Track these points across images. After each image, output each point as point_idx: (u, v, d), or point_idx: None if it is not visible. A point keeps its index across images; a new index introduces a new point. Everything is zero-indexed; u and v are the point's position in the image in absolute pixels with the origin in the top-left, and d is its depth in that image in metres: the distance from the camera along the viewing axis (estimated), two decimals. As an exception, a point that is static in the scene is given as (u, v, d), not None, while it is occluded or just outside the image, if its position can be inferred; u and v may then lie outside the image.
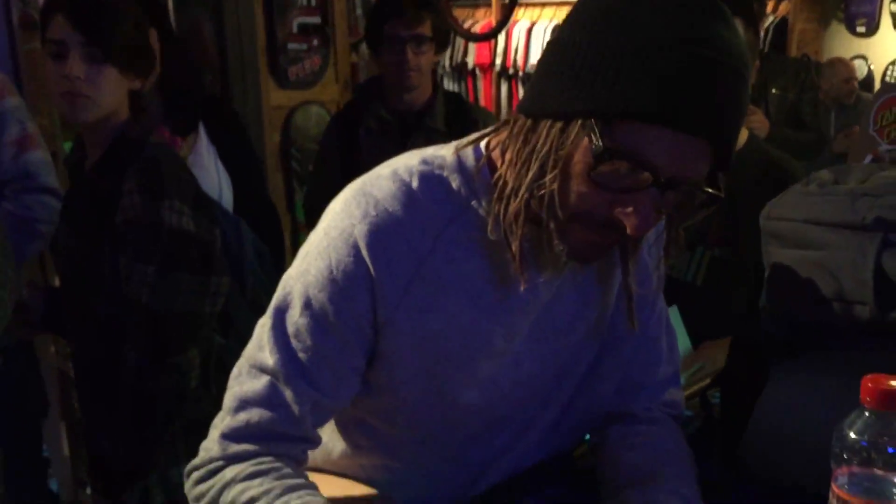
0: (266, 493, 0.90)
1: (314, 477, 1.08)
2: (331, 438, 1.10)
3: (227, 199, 2.06)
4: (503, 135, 0.94)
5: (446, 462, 1.07)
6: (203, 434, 1.59)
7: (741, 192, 1.53)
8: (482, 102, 6.30)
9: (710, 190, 0.86)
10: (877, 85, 4.86)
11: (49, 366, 2.53)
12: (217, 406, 1.60)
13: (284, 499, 0.89)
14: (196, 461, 0.98)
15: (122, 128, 1.64)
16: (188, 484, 0.98)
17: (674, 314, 1.38)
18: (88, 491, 2.61)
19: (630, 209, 0.84)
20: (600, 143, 0.82)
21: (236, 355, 1.54)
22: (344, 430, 1.08)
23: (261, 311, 1.56)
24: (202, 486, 0.96)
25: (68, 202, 1.80)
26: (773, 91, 3.29)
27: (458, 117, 2.36)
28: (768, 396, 1.10)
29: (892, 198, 1.06)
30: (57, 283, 2.09)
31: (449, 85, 6.42)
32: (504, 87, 6.32)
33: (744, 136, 1.70)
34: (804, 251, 1.12)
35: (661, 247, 1.01)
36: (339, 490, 1.07)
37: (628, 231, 0.85)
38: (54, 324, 1.83)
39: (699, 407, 1.30)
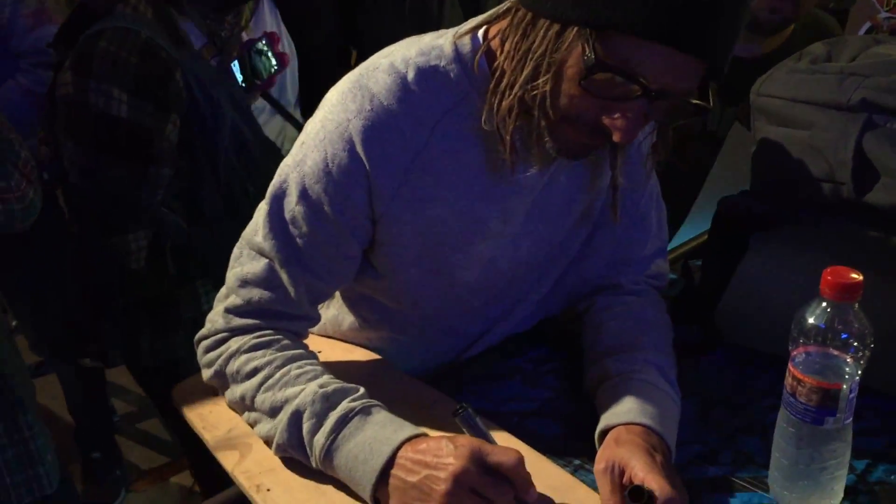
0: (269, 363, 0.98)
1: (323, 343, 1.18)
2: (340, 312, 1.17)
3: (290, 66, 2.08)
4: (504, 23, 0.95)
5: (445, 334, 1.16)
6: (166, 310, 1.68)
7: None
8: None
9: (699, 102, 0.88)
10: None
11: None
12: (177, 285, 1.68)
13: (285, 369, 0.97)
14: (203, 332, 1.06)
15: None
16: (199, 351, 1.06)
17: None
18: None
19: (618, 117, 0.87)
20: (592, 56, 0.84)
21: (204, 241, 1.61)
22: (352, 305, 1.16)
23: (232, 201, 1.62)
24: (211, 355, 1.04)
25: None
26: None
27: None
28: (745, 267, 1.17)
29: (880, 79, 1.08)
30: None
31: None
32: None
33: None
34: (791, 129, 1.15)
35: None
36: (345, 355, 1.17)
37: (615, 138, 0.88)
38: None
39: (681, 272, 1.38)
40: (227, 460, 0.97)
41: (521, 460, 0.83)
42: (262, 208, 1.03)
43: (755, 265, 1.16)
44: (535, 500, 0.85)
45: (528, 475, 0.84)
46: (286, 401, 0.94)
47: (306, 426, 0.91)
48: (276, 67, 1.96)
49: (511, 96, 0.91)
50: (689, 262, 1.34)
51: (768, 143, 1.18)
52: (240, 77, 2.02)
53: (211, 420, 1.04)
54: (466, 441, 0.84)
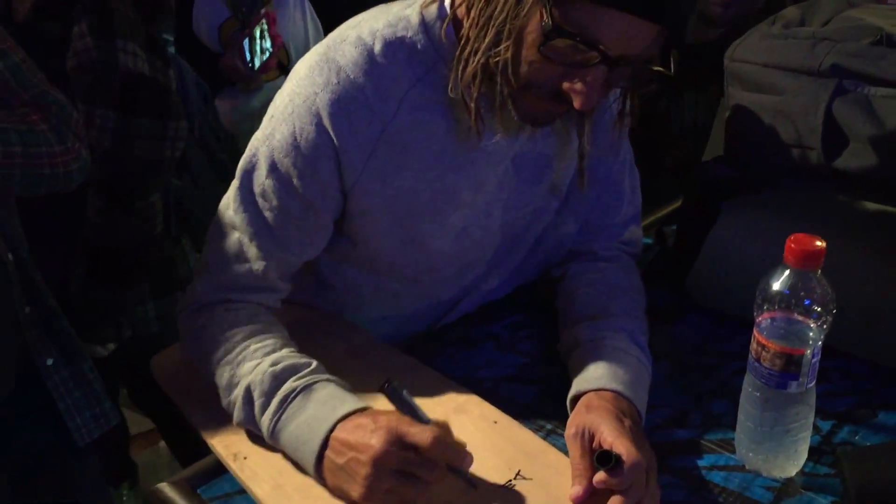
0: (231, 337, 0.99)
1: (301, 312, 1.19)
2: (318, 280, 1.18)
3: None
4: None
5: (421, 301, 1.17)
6: (168, 273, 1.68)
7: None
8: None
9: (660, 69, 0.88)
10: None
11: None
12: (176, 247, 1.68)
13: (244, 343, 0.98)
14: (182, 303, 1.08)
15: None
16: (179, 320, 1.08)
17: None
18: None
19: (578, 83, 0.87)
20: (550, 22, 0.84)
21: (192, 197, 1.61)
22: (329, 274, 1.17)
23: (208, 150, 1.62)
24: (184, 328, 1.06)
25: None
26: None
27: None
28: (717, 233, 1.19)
29: (851, 44, 1.09)
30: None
31: None
32: None
33: None
34: (764, 95, 1.16)
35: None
36: (321, 324, 1.18)
37: (575, 104, 0.88)
38: None
39: (655, 238, 1.39)
40: (207, 429, 0.99)
41: (437, 438, 0.82)
42: (234, 183, 1.03)
43: (726, 231, 1.18)
44: (469, 464, 0.85)
45: (450, 447, 0.83)
46: (241, 377, 0.95)
47: (257, 405, 0.93)
48: (269, 51, 1.95)
49: (474, 63, 0.91)
50: (663, 228, 1.36)
51: (741, 109, 1.19)
52: (248, 56, 2.03)
53: (188, 389, 1.05)
54: (385, 421, 0.84)
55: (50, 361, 1.29)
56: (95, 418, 1.36)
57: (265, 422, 0.91)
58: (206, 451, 0.98)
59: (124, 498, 2.18)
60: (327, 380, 0.93)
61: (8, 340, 1.24)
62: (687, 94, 1.49)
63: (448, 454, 0.83)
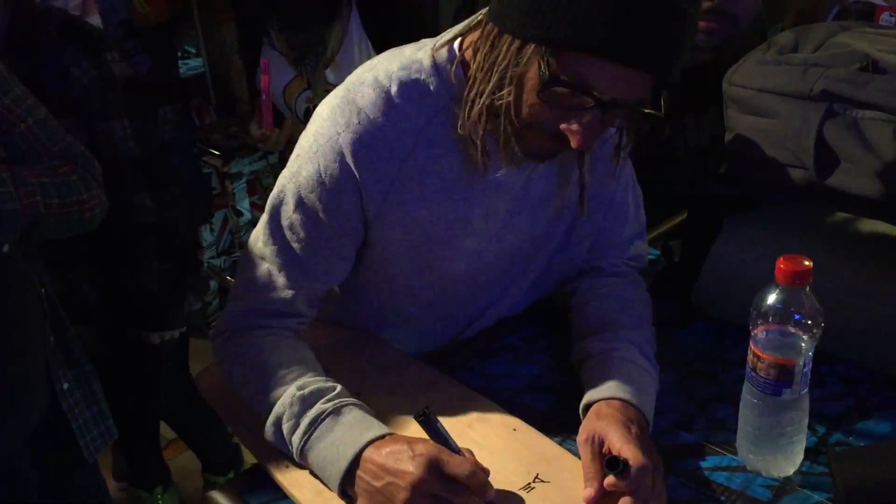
0: (261, 365, 1.06)
1: (330, 330, 1.28)
2: (343, 302, 1.27)
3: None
4: (475, 35, 1.03)
5: (439, 321, 1.26)
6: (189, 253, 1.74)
7: None
8: None
9: (650, 111, 0.96)
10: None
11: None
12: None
13: (272, 370, 1.05)
14: (212, 332, 1.17)
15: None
16: (213, 347, 1.16)
17: None
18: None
19: (575, 125, 0.95)
20: (546, 72, 0.92)
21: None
22: (353, 297, 1.25)
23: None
24: (218, 354, 1.14)
25: None
26: None
27: None
28: (719, 247, 1.26)
29: (839, 70, 1.16)
30: None
31: None
32: None
33: None
34: (759, 118, 1.23)
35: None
36: (350, 340, 1.27)
37: (572, 145, 0.96)
38: None
39: (662, 251, 1.47)
40: (251, 442, 1.07)
41: (475, 470, 0.90)
42: (263, 218, 1.12)
43: (728, 245, 1.26)
44: (493, 498, 0.92)
45: (483, 479, 0.91)
46: (272, 403, 1.03)
47: (286, 427, 1.00)
48: None
49: (480, 104, 0.99)
50: (669, 242, 1.43)
51: (739, 131, 1.26)
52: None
53: (232, 404, 1.14)
54: (424, 450, 0.91)
55: (66, 385, 1.37)
56: (101, 435, 1.45)
57: (295, 442, 0.99)
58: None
59: (159, 500, 2.28)
60: (353, 404, 1.01)
61: (40, 366, 1.33)
62: (687, 118, 1.55)
63: (481, 486, 0.91)
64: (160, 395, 2.12)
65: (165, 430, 2.55)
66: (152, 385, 2.10)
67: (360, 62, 1.87)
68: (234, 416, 1.12)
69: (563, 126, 0.96)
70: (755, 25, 1.52)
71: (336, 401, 1.00)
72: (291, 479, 1.00)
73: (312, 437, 0.98)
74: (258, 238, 1.13)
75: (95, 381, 1.45)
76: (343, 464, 0.94)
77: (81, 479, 1.50)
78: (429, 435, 0.94)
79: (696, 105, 1.52)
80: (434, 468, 0.90)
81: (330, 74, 1.79)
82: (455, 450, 0.94)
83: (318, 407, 0.99)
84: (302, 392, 1.01)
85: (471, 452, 0.94)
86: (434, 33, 1.11)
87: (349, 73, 1.12)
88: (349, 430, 0.97)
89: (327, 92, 1.14)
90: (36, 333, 1.31)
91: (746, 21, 1.46)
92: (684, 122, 1.55)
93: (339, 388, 1.03)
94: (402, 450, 0.92)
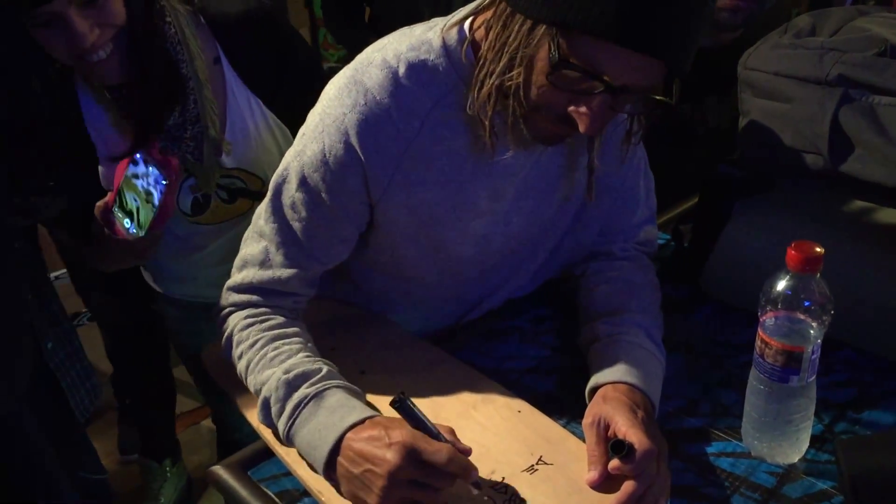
0: (252, 344, 1.07)
1: (338, 308, 1.28)
2: (350, 282, 1.27)
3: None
4: (488, 14, 1.01)
5: (446, 301, 1.26)
6: None
7: None
8: None
9: (661, 98, 0.94)
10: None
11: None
12: None
13: (263, 351, 1.06)
14: (214, 308, 1.17)
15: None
16: (215, 323, 1.17)
17: None
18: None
19: (584, 109, 0.93)
20: (556, 54, 0.90)
21: None
22: (360, 277, 1.25)
23: None
24: (219, 330, 1.15)
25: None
26: None
27: None
28: (729, 231, 1.25)
29: (856, 55, 1.14)
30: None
31: None
32: None
33: None
34: (774, 102, 1.21)
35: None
36: (356, 319, 1.27)
37: (580, 129, 0.95)
38: None
39: (672, 235, 1.46)
40: (253, 417, 1.08)
41: (451, 456, 0.89)
42: (267, 196, 1.12)
43: (739, 230, 1.25)
44: (475, 479, 0.91)
45: (464, 462, 0.90)
46: (261, 384, 1.03)
47: (273, 410, 1.01)
48: (163, 184, 1.25)
49: (489, 84, 0.98)
50: (679, 226, 1.42)
51: (753, 115, 1.25)
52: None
53: (235, 379, 1.14)
54: (401, 437, 0.89)
55: (50, 344, 1.36)
56: (88, 393, 1.45)
57: (280, 426, 1.00)
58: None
59: (168, 472, 2.30)
60: (336, 386, 1.00)
61: (24, 321, 1.30)
62: (709, 98, 1.54)
63: (461, 469, 0.90)
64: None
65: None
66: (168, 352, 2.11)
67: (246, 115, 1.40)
68: (238, 392, 1.12)
69: (571, 109, 0.94)
70: (781, 6, 1.50)
71: (319, 385, 1.00)
72: (295, 457, 1.01)
73: (297, 421, 0.98)
74: (260, 215, 1.13)
75: (76, 338, 1.44)
76: (325, 448, 0.94)
77: (76, 440, 1.50)
78: (406, 421, 0.93)
79: (718, 86, 1.50)
80: (411, 455, 0.89)
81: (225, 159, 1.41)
82: (434, 434, 0.92)
83: (302, 391, 0.99)
84: (287, 376, 1.01)
85: (452, 432, 0.93)
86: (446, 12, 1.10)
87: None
88: (331, 415, 0.97)
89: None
90: (16, 290, 1.28)
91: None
92: (706, 103, 1.53)
93: (325, 369, 1.02)
94: (379, 436, 0.91)
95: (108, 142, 1.36)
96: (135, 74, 1.30)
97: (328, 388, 1.00)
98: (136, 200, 1.28)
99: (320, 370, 1.02)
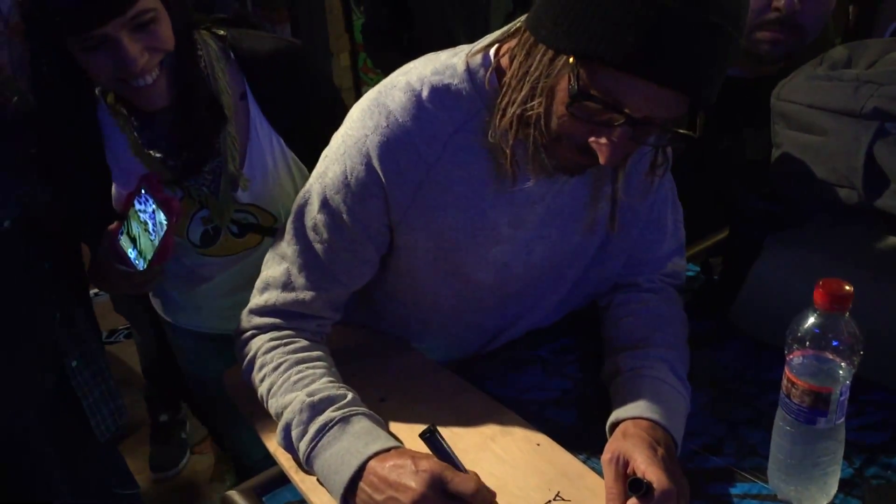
0: (275, 368, 1.07)
1: (360, 335, 1.27)
2: (372, 307, 1.26)
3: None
4: (513, 42, 1.01)
5: (466, 329, 1.25)
6: None
7: None
8: None
9: (683, 131, 0.92)
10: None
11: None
12: None
13: (286, 374, 1.06)
14: (234, 331, 1.17)
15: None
16: (235, 346, 1.17)
17: None
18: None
19: (604, 140, 0.92)
20: (576, 85, 0.89)
21: None
22: (380, 302, 1.25)
23: None
24: (241, 353, 1.14)
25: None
26: None
27: None
28: (760, 266, 1.23)
29: (893, 88, 1.11)
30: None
31: None
32: None
33: None
34: (807, 135, 1.19)
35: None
36: (378, 346, 1.26)
37: (600, 160, 0.93)
38: None
39: (702, 268, 1.43)
40: (271, 442, 1.08)
41: (479, 488, 0.89)
42: (289, 218, 1.12)
43: (769, 265, 1.22)
44: None
45: (489, 499, 0.90)
46: (283, 408, 1.03)
47: (294, 433, 1.00)
48: (163, 224, 1.27)
49: (511, 113, 0.97)
50: (709, 259, 1.40)
51: (786, 147, 1.23)
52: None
53: (256, 403, 1.14)
54: (428, 466, 0.90)
55: (74, 363, 1.38)
56: (112, 414, 1.46)
57: (302, 448, 0.99)
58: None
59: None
60: (363, 413, 1.00)
61: (48, 341, 1.33)
62: (747, 130, 1.51)
63: (485, 501, 0.89)
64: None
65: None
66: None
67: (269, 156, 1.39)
68: (257, 417, 1.12)
69: (591, 140, 0.93)
70: (824, 39, 1.47)
71: (346, 409, 1.00)
72: (310, 484, 1.00)
73: (319, 444, 0.98)
74: (282, 237, 1.13)
75: (102, 358, 1.45)
76: (347, 474, 0.93)
77: (99, 456, 1.51)
78: (434, 454, 0.93)
79: (757, 118, 1.48)
80: (437, 485, 0.88)
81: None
82: (461, 469, 0.92)
83: (328, 414, 0.99)
84: (312, 399, 1.00)
85: (476, 475, 0.92)
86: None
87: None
88: (356, 441, 0.96)
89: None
90: (40, 309, 1.30)
91: (814, 33, 1.41)
92: (745, 134, 1.51)
93: (350, 395, 1.02)
94: (405, 464, 0.91)
95: (124, 168, 1.38)
96: (177, 100, 1.32)
97: (355, 415, 0.99)
98: (139, 230, 1.31)
99: (345, 396, 1.02)
